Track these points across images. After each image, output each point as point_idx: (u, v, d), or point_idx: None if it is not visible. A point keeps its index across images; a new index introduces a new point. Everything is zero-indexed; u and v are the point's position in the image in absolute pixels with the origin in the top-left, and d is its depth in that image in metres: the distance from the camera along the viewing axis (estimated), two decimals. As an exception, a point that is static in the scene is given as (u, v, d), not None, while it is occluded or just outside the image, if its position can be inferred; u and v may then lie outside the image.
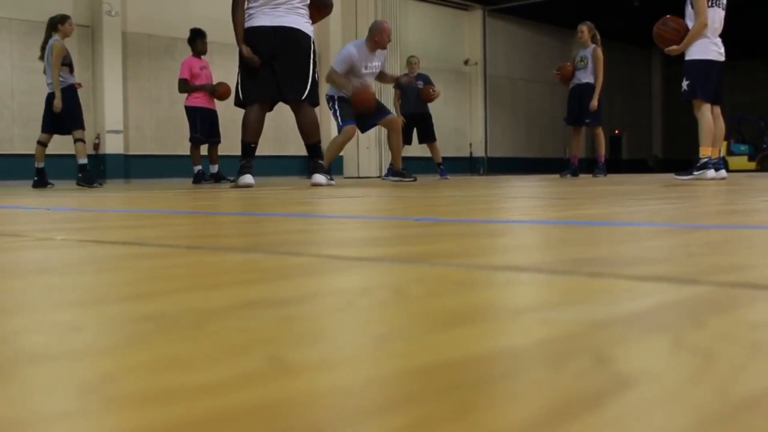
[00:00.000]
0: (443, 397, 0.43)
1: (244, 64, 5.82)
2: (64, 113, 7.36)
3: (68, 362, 0.53)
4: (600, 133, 9.66)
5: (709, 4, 6.51)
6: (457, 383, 0.46)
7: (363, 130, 8.02)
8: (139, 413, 0.41)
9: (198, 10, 14.64)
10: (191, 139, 8.93)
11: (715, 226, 1.78)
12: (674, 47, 6.57)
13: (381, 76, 7.65)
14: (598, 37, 9.70)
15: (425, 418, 0.39)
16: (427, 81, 10.00)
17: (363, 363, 0.52)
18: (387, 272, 1.03)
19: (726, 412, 0.40)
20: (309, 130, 5.97)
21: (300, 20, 5.78)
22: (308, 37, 5.84)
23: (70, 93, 7.38)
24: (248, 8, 5.79)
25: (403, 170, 7.89)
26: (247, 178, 5.83)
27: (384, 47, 7.41)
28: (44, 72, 7.53)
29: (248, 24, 5.76)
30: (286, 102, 5.97)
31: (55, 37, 7.31)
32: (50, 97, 7.45)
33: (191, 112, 8.89)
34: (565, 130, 9.96)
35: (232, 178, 9.09)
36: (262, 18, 5.70)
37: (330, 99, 7.49)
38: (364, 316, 0.71)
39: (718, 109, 6.71)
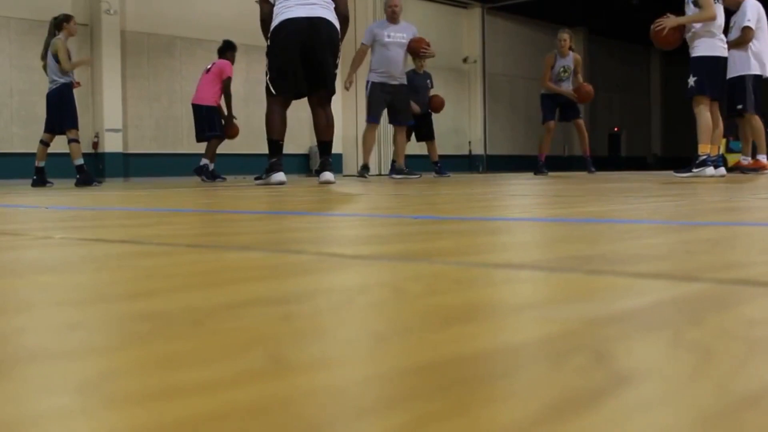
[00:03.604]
0: (442, 395, 0.43)
1: (273, 60, 5.80)
2: (57, 111, 7.39)
3: (67, 361, 0.53)
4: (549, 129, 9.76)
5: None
6: (456, 381, 0.46)
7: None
8: (138, 411, 0.40)
9: (197, 8, 14.64)
10: (214, 137, 9.08)
11: (714, 224, 1.78)
12: (665, 21, 6.50)
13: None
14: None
15: (424, 415, 0.39)
16: (431, 80, 10.21)
17: (362, 361, 0.52)
18: (386, 270, 1.03)
19: (725, 409, 0.40)
20: (328, 127, 6.05)
21: (331, 15, 5.84)
22: (337, 29, 5.89)
23: (65, 91, 7.41)
24: (279, 5, 5.78)
25: (405, 167, 8.32)
26: (279, 176, 5.89)
27: (389, 19, 8.30)
28: (44, 69, 7.55)
29: (283, 17, 5.73)
30: (313, 94, 5.96)
31: (59, 35, 7.33)
32: (50, 97, 7.46)
33: (213, 111, 9.04)
34: (564, 128, 9.98)
35: (224, 177, 9.19)
36: (296, 10, 5.71)
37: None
38: (363, 314, 0.71)
39: (716, 106, 6.71)
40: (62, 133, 7.55)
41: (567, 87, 9.57)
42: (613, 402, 0.41)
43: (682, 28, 6.50)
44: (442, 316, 0.67)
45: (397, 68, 8.33)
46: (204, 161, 9.09)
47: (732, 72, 7.40)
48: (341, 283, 0.92)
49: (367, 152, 8.53)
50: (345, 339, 0.60)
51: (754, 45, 7.51)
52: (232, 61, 9.37)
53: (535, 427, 0.37)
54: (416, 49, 8.44)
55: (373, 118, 8.49)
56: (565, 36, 9.60)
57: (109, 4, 13.30)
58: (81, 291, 0.89)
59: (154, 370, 0.49)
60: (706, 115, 6.48)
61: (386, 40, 8.20)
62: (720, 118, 6.79)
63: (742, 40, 7.49)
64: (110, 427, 0.38)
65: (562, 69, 9.53)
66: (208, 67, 9.44)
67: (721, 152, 7.25)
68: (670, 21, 6.49)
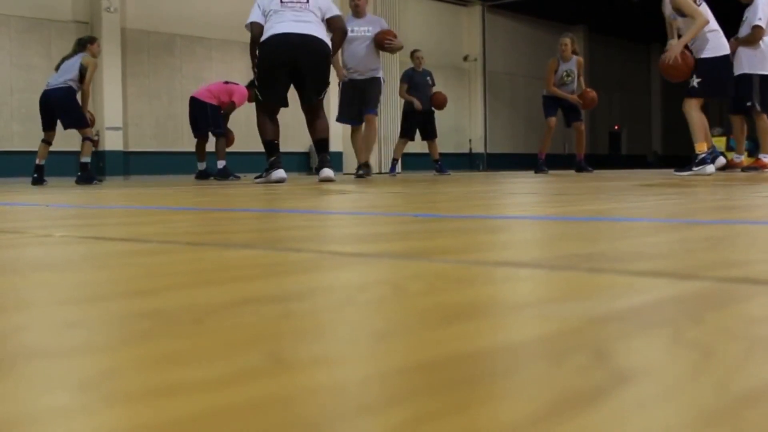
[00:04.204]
0: (442, 393, 0.43)
1: (261, 71, 5.96)
2: (68, 110, 7.48)
3: (67, 359, 0.53)
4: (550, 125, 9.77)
5: (698, 3, 6.48)
6: (457, 379, 0.46)
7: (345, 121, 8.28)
8: (138, 409, 0.40)
9: (197, 6, 14.63)
10: (222, 135, 9.07)
11: (715, 222, 1.78)
12: (671, 50, 6.42)
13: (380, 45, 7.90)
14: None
15: (424, 413, 0.39)
16: (431, 77, 10.15)
17: (362, 359, 0.52)
18: (386, 268, 1.03)
19: (725, 407, 0.40)
20: (320, 126, 6.16)
21: (322, 33, 5.99)
22: (328, 46, 6.05)
23: (73, 94, 7.55)
24: (271, 20, 5.89)
25: (366, 165, 7.88)
26: (279, 173, 6.00)
27: (354, 14, 7.87)
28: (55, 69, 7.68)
29: (274, 31, 5.86)
30: (303, 102, 6.15)
31: (85, 54, 7.59)
32: (56, 94, 7.50)
33: (217, 110, 9.02)
34: (564, 126, 10.02)
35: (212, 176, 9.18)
36: (289, 26, 5.84)
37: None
38: (363, 312, 0.71)
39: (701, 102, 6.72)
40: (68, 128, 7.65)
41: (570, 90, 9.55)
42: (613, 400, 0.41)
43: (687, 49, 6.43)
44: (442, 315, 0.67)
45: (362, 63, 7.96)
46: (221, 163, 9.13)
47: (739, 69, 7.39)
48: (341, 281, 0.92)
49: (358, 152, 8.15)
50: (345, 337, 0.60)
51: (763, 43, 7.47)
52: (251, 99, 9.18)
53: (535, 426, 0.37)
54: (380, 41, 7.98)
55: (343, 118, 8.18)
56: (566, 41, 9.54)
57: (109, 2, 13.30)
58: (81, 289, 0.89)
59: (155, 368, 0.49)
60: (695, 115, 6.47)
61: (349, 35, 7.71)
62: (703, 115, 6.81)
63: (752, 38, 7.43)
64: (110, 425, 0.38)
65: (565, 73, 9.51)
66: (227, 81, 9.46)
67: (721, 150, 7.25)
68: (675, 47, 6.40)
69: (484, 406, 0.40)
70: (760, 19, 7.37)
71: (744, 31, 7.52)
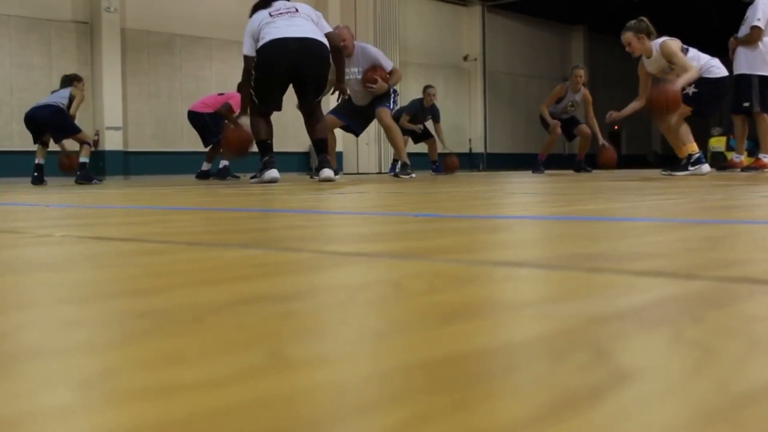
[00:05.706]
0: (443, 392, 0.43)
1: (258, 77, 5.96)
2: (60, 124, 7.63)
3: (68, 358, 0.53)
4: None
5: (683, 50, 6.51)
6: (457, 378, 0.46)
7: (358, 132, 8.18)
8: (139, 408, 0.41)
9: (197, 6, 14.63)
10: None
11: (715, 221, 1.78)
12: (677, 85, 6.24)
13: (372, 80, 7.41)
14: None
15: (425, 412, 0.39)
16: (434, 115, 10.41)
17: (362, 358, 0.52)
18: (386, 268, 1.03)
19: (725, 406, 0.40)
20: (319, 127, 6.19)
21: (318, 34, 5.95)
22: (327, 48, 6.02)
23: (64, 111, 7.76)
24: (265, 28, 5.89)
25: (405, 165, 7.81)
26: (272, 173, 6.01)
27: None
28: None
29: (271, 37, 5.84)
30: (301, 104, 6.19)
31: (73, 88, 7.94)
32: (47, 110, 7.59)
33: (216, 116, 9.07)
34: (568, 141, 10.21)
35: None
36: (284, 30, 5.84)
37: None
38: (363, 311, 0.71)
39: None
40: (61, 140, 7.82)
41: (570, 117, 9.73)
42: (613, 399, 0.41)
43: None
44: (442, 314, 0.67)
45: (365, 99, 7.57)
46: (223, 163, 9.17)
47: (738, 69, 7.38)
48: (342, 281, 0.92)
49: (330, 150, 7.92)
50: (345, 336, 0.60)
51: (762, 44, 7.45)
52: None
53: (535, 424, 0.37)
54: (363, 85, 7.47)
55: (335, 113, 7.79)
56: (581, 72, 9.64)
57: (109, 2, 13.29)
58: (82, 288, 0.89)
59: (155, 367, 0.49)
60: (678, 120, 6.50)
61: (346, 78, 7.16)
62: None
63: (751, 39, 7.41)
64: (111, 424, 0.38)
65: (570, 103, 9.67)
66: (221, 92, 9.57)
67: (721, 150, 7.26)
68: (678, 82, 6.13)
69: (484, 405, 0.40)
70: (759, 19, 7.35)
71: (744, 30, 7.51)
